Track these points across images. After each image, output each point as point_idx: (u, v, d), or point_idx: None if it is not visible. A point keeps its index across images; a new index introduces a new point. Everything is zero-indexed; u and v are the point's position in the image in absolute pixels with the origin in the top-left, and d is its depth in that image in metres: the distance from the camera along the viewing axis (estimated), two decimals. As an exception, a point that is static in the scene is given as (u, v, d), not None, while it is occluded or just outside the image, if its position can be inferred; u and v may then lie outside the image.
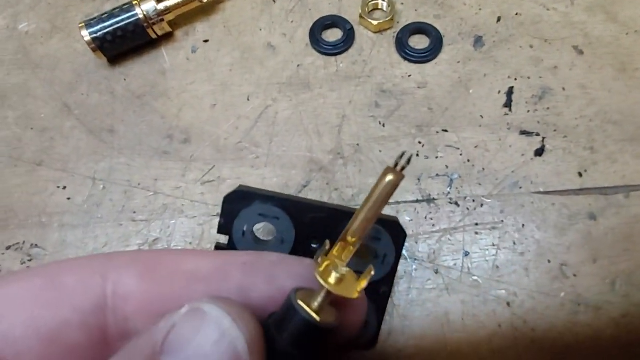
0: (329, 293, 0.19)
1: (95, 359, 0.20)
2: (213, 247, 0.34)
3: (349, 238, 0.21)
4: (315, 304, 0.19)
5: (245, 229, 0.28)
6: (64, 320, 0.19)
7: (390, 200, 0.36)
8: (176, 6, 0.41)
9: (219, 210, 0.36)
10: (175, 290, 0.20)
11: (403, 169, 0.19)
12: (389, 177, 0.19)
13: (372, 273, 0.21)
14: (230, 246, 0.29)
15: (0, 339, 0.18)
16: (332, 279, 0.20)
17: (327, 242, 0.21)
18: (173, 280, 0.21)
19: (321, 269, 0.20)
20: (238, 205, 0.29)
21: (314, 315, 0.19)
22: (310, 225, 0.29)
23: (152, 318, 0.20)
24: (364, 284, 0.20)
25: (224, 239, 0.31)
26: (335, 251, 0.21)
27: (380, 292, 0.30)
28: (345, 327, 0.22)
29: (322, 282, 0.19)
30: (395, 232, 0.29)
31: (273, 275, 0.21)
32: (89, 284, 0.20)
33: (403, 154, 0.19)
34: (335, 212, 0.29)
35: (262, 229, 0.31)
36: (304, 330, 0.19)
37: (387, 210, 0.35)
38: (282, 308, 0.20)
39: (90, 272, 0.20)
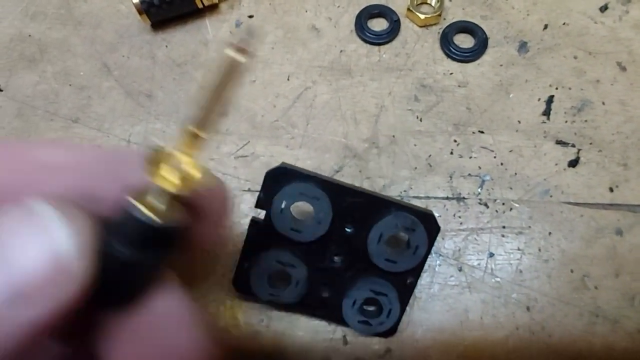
0: (165, 190, 0.17)
1: None
2: (242, 222, 0.35)
3: (197, 130, 0.18)
4: (157, 202, 0.17)
5: (283, 205, 0.29)
6: None
7: (421, 194, 0.36)
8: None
9: (250, 185, 0.37)
10: (24, 179, 0.18)
11: (245, 47, 0.17)
12: (232, 54, 0.17)
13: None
14: (267, 221, 0.29)
15: None
16: (175, 176, 0.17)
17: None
18: (22, 169, 0.19)
19: (156, 164, 0.17)
20: (279, 181, 0.29)
21: (151, 215, 0.17)
22: (348, 209, 0.29)
23: None
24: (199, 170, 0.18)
25: (255, 213, 0.32)
26: (181, 146, 0.18)
27: (407, 283, 0.31)
28: (205, 223, 0.20)
29: (155, 180, 0.17)
30: (429, 225, 0.29)
31: (120, 172, 0.19)
32: None
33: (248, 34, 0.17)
34: (373, 199, 0.29)
35: (295, 208, 0.31)
36: (142, 232, 0.17)
37: (419, 205, 0.35)
38: (120, 210, 0.18)
39: None
